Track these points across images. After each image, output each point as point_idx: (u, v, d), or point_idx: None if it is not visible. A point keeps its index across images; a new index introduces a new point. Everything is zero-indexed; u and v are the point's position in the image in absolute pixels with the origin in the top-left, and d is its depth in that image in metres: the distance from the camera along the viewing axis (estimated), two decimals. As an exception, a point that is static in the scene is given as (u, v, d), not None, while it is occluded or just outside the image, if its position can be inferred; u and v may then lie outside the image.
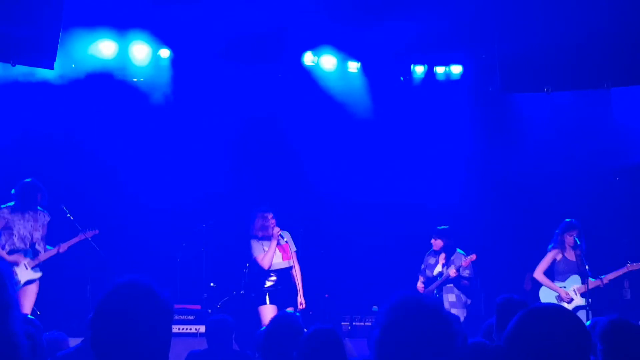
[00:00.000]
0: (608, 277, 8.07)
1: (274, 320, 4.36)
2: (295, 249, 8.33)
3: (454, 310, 8.36)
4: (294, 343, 3.73)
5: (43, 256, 7.98)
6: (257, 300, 8.20)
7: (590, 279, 8.00)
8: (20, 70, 8.32)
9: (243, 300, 8.82)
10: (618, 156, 9.97)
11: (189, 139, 10.02)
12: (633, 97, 9.36)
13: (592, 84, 8.20)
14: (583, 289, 8.08)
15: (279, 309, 7.92)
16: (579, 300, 8.13)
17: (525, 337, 2.22)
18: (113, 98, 9.59)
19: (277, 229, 8.17)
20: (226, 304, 8.87)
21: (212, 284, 9.26)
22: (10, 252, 7.81)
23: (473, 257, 8.45)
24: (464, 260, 8.46)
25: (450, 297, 8.56)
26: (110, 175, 9.60)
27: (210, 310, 8.69)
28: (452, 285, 8.57)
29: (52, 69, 7.64)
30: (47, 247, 8.06)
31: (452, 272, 8.45)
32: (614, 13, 7.70)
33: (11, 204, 7.91)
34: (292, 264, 8.24)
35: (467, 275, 8.54)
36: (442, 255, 8.74)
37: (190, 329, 8.24)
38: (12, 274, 2.13)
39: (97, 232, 8.31)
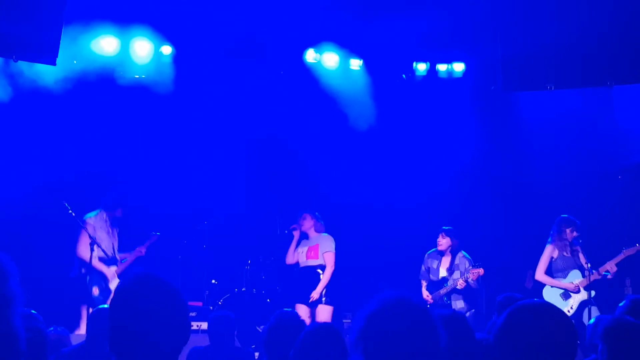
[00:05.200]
0: (605, 267, 8.07)
1: (275, 317, 4.36)
2: (327, 251, 8.61)
3: None
4: (295, 340, 3.72)
5: (124, 264, 8.22)
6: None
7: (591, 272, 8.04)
8: (22, 66, 8.32)
9: (245, 297, 8.83)
10: (621, 154, 9.96)
11: (190, 136, 10.01)
12: (636, 95, 9.35)
13: (595, 82, 8.20)
14: (585, 282, 8.10)
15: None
16: (584, 294, 8.13)
17: (514, 334, 2.22)
18: (115, 94, 9.57)
19: (296, 233, 8.82)
20: (228, 301, 8.88)
21: (213, 281, 9.27)
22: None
23: (481, 271, 8.19)
24: (471, 274, 8.21)
25: (459, 304, 8.42)
26: (111, 172, 9.59)
27: (212, 307, 8.70)
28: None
29: (54, 65, 7.63)
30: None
31: (460, 284, 8.26)
32: (617, 11, 7.68)
33: (94, 213, 8.13)
34: (316, 263, 8.55)
35: (473, 286, 8.38)
36: (446, 259, 8.60)
37: (192, 326, 8.25)
38: (15, 269, 2.10)
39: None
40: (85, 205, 8.62)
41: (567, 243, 8.30)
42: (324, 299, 8.47)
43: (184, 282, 9.23)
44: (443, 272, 8.54)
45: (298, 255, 8.73)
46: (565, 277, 8.31)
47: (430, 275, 8.64)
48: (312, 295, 8.35)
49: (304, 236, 8.78)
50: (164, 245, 9.49)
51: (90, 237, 7.88)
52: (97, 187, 9.37)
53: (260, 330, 8.39)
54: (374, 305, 2.13)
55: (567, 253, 8.28)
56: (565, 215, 8.38)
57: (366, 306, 2.15)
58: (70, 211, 8.01)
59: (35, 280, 8.14)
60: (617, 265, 8.08)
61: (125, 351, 2.08)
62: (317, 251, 8.59)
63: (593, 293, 8.07)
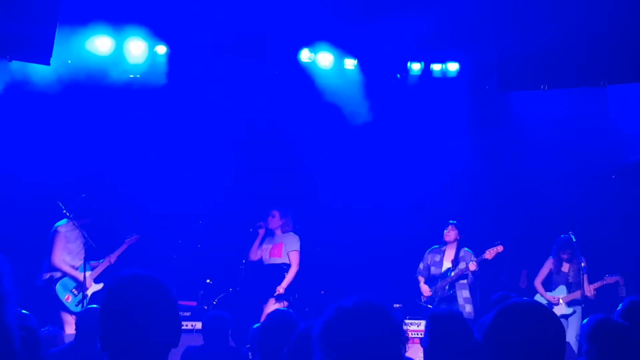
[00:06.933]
0: (585, 291, 8.30)
1: (269, 316, 4.37)
2: (291, 250, 8.52)
3: (467, 306, 8.38)
4: (289, 339, 3.72)
5: (96, 271, 8.25)
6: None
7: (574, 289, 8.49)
8: (15, 66, 8.29)
9: (239, 297, 8.83)
10: (614, 154, 9.99)
11: (185, 136, 10.00)
12: (629, 94, 9.37)
13: (589, 82, 8.20)
14: (568, 298, 8.57)
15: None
16: (564, 309, 8.55)
17: (502, 332, 2.23)
18: (109, 94, 9.56)
19: (262, 230, 8.74)
20: (222, 301, 8.88)
21: (208, 281, 9.26)
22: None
23: (500, 248, 8.37)
24: (488, 253, 8.37)
25: (464, 294, 8.53)
26: (105, 172, 9.57)
27: (206, 307, 8.70)
28: (465, 281, 8.51)
29: (48, 64, 7.61)
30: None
31: (472, 266, 8.35)
32: (611, 10, 7.70)
33: (64, 221, 8.11)
34: (279, 262, 8.52)
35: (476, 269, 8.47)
36: (450, 252, 8.68)
37: (187, 325, 8.24)
38: (8, 268, 2.12)
39: (138, 237, 8.57)
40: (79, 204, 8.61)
41: (563, 261, 8.74)
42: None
43: (178, 282, 9.21)
44: (447, 264, 8.62)
45: (262, 253, 8.70)
46: (552, 290, 8.79)
47: (432, 269, 8.71)
48: (277, 289, 8.31)
49: (270, 233, 8.74)
50: (159, 244, 9.49)
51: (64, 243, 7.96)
52: (91, 187, 9.36)
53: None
54: (333, 309, 2.14)
55: (564, 268, 8.75)
56: (563, 236, 8.57)
57: (326, 310, 2.16)
58: (64, 211, 8.00)
59: (29, 281, 8.15)
60: (596, 290, 8.41)
61: (116, 350, 2.09)
62: (281, 249, 8.55)
63: (571, 310, 8.53)
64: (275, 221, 8.65)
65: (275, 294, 8.30)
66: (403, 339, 2.14)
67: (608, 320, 3.54)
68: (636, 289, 8.89)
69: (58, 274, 8.01)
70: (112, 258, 8.35)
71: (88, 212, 8.22)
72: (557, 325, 2.24)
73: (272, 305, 8.23)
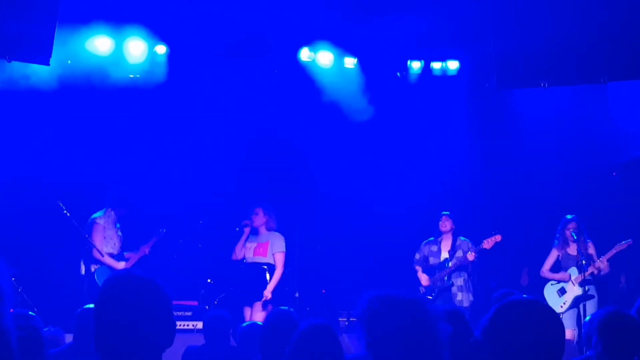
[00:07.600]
0: (597, 264, 8.10)
1: (270, 316, 4.36)
2: (278, 251, 8.43)
3: (460, 294, 8.38)
4: (290, 338, 3.72)
5: (130, 262, 8.36)
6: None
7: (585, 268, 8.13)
8: (15, 66, 8.29)
9: (240, 296, 8.83)
10: (615, 151, 9.98)
11: (185, 136, 10.00)
12: (630, 91, 9.37)
13: (589, 79, 8.19)
14: (580, 278, 8.18)
15: (239, 303, 8.36)
16: (578, 290, 8.23)
17: (501, 329, 2.23)
18: (109, 94, 9.56)
19: (247, 228, 8.58)
20: (223, 300, 8.87)
21: (209, 280, 9.25)
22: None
23: (498, 237, 8.35)
24: (486, 243, 8.37)
25: (458, 282, 8.53)
26: (105, 172, 9.57)
27: (207, 307, 8.69)
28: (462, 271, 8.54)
29: (48, 64, 7.60)
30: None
31: (470, 256, 8.36)
32: (611, 7, 7.69)
33: (101, 212, 8.22)
34: (263, 261, 8.42)
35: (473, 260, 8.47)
36: (446, 242, 8.70)
37: (188, 325, 8.24)
38: (5, 267, 2.10)
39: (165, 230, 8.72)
40: (80, 205, 8.62)
41: (569, 241, 8.45)
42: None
43: (179, 282, 9.22)
44: (445, 254, 8.62)
45: (245, 251, 8.57)
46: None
47: (431, 259, 8.72)
48: (265, 294, 8.19)
49: (254, 232, 8.60)
50: (160, 244, 9.48)
51: (103, 234, 8.02)
52: (91, 187, 9.37)
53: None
54: (374, 300, 2.17)
55: (572, 251, 8.42)
56: (567, 217, 8.48)
57: (361, 301, 2.18)
58: (65, 211, 7.99)
59: (30, 281, 8.15)
60: (609, 260, 8.13)
61: (110, 351, 2.08)
62: (267, 249, 8.42)
63: (587, 289, 8.12)
64: (259, 218, 8.53)
65: (262, 300, 8.23)
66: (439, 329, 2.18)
67: (620, 313, 3.53)
68: (637, 286, 8.91)
69: (95, 266, 8.04)
70: (146, 249, 8.48)
71: (125, 203, 8.34)
72: (556, 323, 2.24)
73: (258, 310, 8.18)
